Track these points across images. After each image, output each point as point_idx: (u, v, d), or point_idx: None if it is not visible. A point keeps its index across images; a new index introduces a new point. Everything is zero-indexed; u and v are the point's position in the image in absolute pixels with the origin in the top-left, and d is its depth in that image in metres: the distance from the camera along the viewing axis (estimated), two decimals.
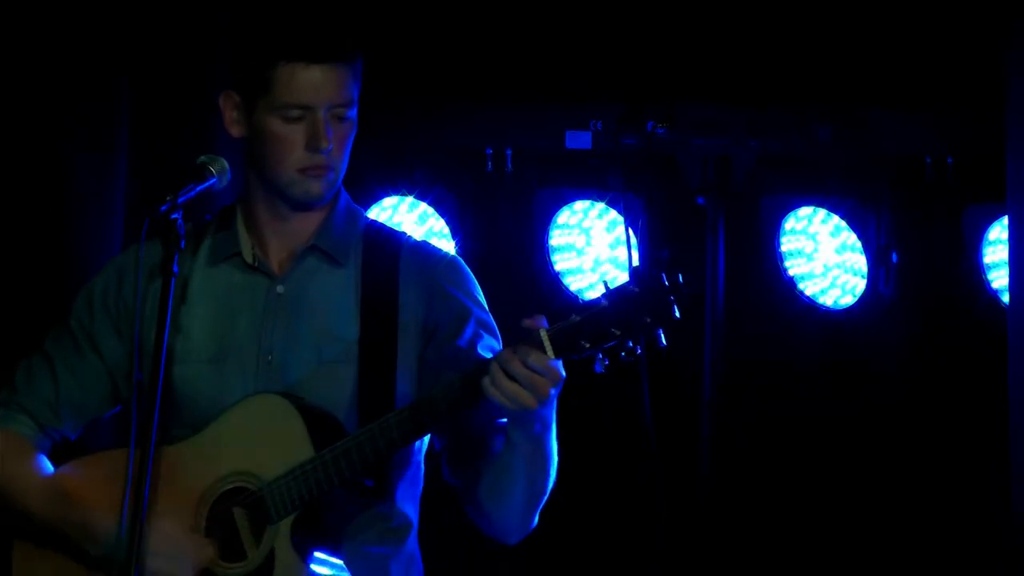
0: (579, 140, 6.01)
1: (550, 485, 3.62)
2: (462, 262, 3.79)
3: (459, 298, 3.71)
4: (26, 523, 3.73)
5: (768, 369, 6.04)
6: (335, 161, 3.67)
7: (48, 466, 3.76)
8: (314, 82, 3.62)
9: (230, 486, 3.59)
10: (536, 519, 3.68)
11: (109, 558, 3.60)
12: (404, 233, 3.83)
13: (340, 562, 3.59)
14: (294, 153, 3.64)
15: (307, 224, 3.74)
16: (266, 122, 3.65)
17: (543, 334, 3.35)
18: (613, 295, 3.33)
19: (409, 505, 3.74)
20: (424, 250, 3.79)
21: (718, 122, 5.95)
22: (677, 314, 3.32)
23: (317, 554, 3.56)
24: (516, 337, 3.42)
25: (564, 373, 3.41)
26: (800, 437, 6.01)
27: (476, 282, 3.77)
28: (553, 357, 3.35)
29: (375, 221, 3.86)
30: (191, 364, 3.70)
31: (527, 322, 3.40)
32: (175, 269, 3.48)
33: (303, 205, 3.71)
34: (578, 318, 3.34)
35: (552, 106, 6.02)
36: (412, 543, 3.76)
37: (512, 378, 3.37)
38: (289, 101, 3.62)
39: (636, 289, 3.32)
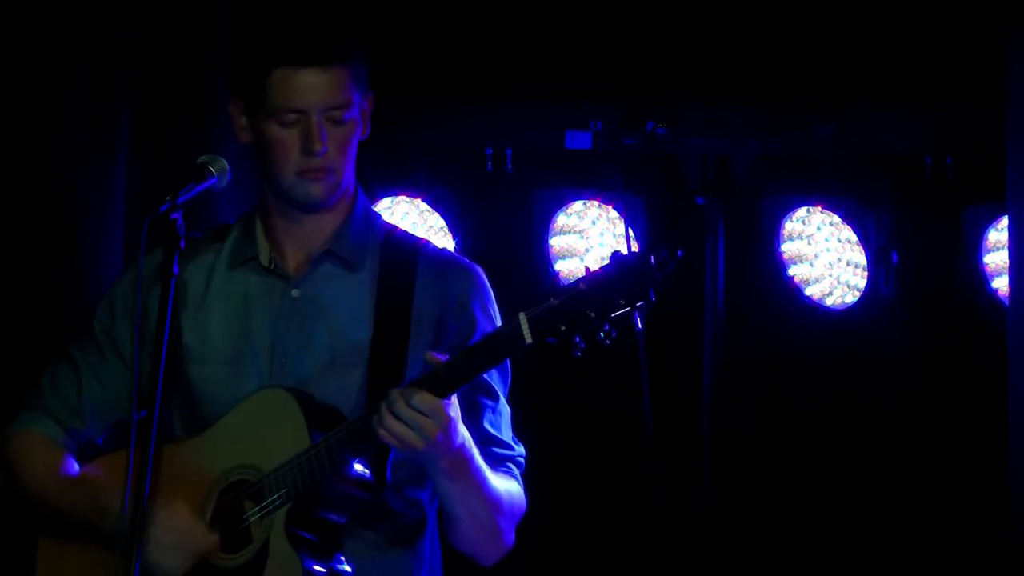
0: (579, 140, 6.01)
1: (503, 514, 3.64)
2: (480, 272, 3.80)
3: (471, 310, 3.72)
4: (49, 516, 3.76)
5: (768, 369, 6.04)
6: (333, 163, 3.68)
7: (73, 464, 3.79)
8: (307, 85, 3.63)
9: (234, 478, 3.62)
10: (510, 539, 3.68)
11: (117, 534, 3.62)
12: (424, 239, 3.84)
13: (341, 557, 3.59)
14: (291, 157, 3.66)
15: (323, 228, 3.76)
16: (265, 127, 3.67)
17: (522, 317, 3.35)
18: (591, 278, 3.33)
19: (422, 505, 3.74)
20: (443, 258, 3.80)
21: (718, 122, 5.95)
22: (653, 297, 3.30)
23: (315, 546, 3.57)
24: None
25: (452, 414, 3.43)
26: (800, 436, 6.01)
27: (491, 293, 3.78)
28: (531, 340, 3.35)
29: (394, 227, 3.87)
30: (209, 365, 3.73)
31: (429, 356, 3.43)
32: (175, 269, 3.50)
33: (308, 208, 3.72)
34: (556, 301, 3.33)
35: (552, 106, 6.02)
36: (428, 544, 3.76)
37: (398, 418, 3.40)
38: (283, 106, 3.64)
39: (613, 271, 3.31)
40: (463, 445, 3.50)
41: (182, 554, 3.58)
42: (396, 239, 3.80)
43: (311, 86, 3.63)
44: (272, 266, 3.76)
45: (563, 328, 3.32)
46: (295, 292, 3.74)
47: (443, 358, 3.42)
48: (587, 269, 3.35)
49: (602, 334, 3.31)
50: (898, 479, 5.94)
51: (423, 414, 3.40)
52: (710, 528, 5.94)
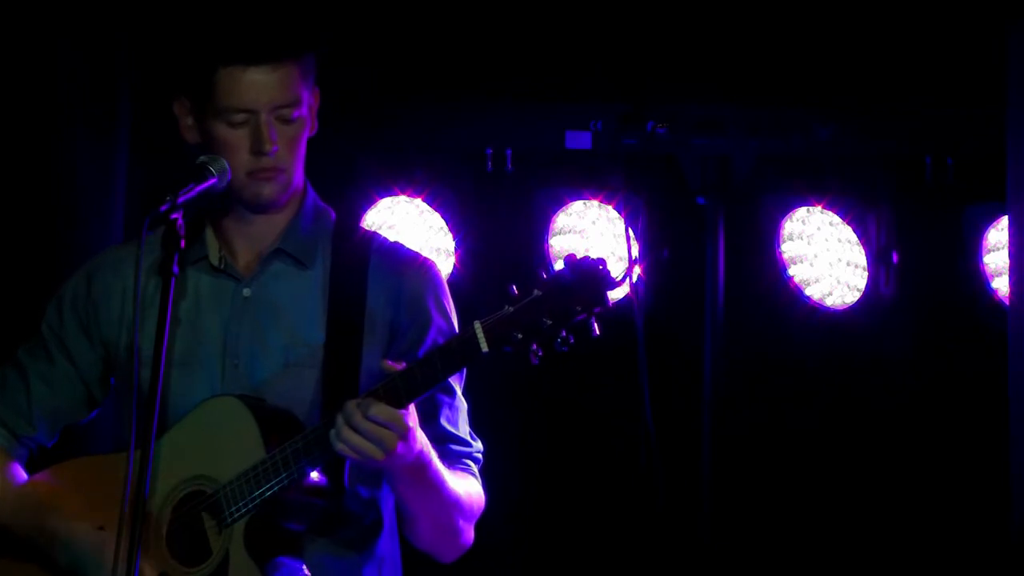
0: (579, 140, 6.01)
1: (463, 514, 3.61)
2: (433, 266, 3.76)
3: (425, 305, 3.68)
4: (2, 535, 3.72)
5: (768, 369, 6.04)
6: (284, 163, 3.62)
7: (21, 475, 3.76)
8: (254, 85, 3.57)
9: (190, 489, 3.57)
10: (470, 538, 3.66)
11: (75, 566, 3.60)
12: (376, 233, 3.80)
13: (300, 565, 3.57)
14: (241, 157, 3.60)
15: (272, 226, 3.71)
16: (213, 127, 3.61)
17: (477, 326, 3.32)
18: (546, 284, 3.29)
19: (378, 505, 3.71)
20: (395, 252, 3.75)
21: (718, 122, 5.95)
22: (609, 303, 3.27)
23: (274, 558, 3.54)
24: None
25: (411, 424, 3.38)
26: (800, 436, 6.00)
27: (445, 287, 3.74)
28: (487, 349, 3.31)
29: (346, 221, 3.82)
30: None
31: (385, 365, 3.38)
32: (175, 269, 3.48)
33: (259, 208, 3.68)
34: (511, 309, 3.30)
35: (552, 106, 6.02)
36: (385, 544, 3.72)
37: (357, 431, 3.35)
38: (231, 105, 3.58)
39: (569, 278, 3.27)
40: (422, 451, 3.46)
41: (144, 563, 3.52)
42: (348, 234, 3.75)
43: (260, 85, 3.57)
44: (222, 265, 3.71)
45: (519, 336, 3.28)
46: (247, 291, 3.69)
47: (399, 367, 3.37)
48: (542, 274, 3.31)
49: (559, 340, 3.28)
50: (898, 479, 5.94)
51: (382, 425, 3.35)
52: (710, 528, 5.93)
